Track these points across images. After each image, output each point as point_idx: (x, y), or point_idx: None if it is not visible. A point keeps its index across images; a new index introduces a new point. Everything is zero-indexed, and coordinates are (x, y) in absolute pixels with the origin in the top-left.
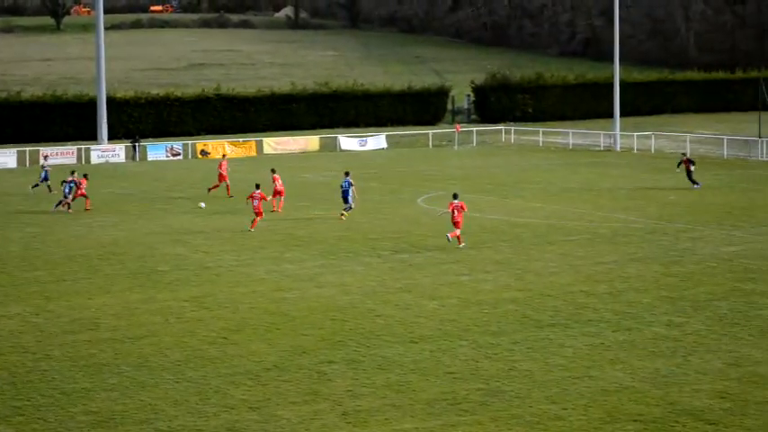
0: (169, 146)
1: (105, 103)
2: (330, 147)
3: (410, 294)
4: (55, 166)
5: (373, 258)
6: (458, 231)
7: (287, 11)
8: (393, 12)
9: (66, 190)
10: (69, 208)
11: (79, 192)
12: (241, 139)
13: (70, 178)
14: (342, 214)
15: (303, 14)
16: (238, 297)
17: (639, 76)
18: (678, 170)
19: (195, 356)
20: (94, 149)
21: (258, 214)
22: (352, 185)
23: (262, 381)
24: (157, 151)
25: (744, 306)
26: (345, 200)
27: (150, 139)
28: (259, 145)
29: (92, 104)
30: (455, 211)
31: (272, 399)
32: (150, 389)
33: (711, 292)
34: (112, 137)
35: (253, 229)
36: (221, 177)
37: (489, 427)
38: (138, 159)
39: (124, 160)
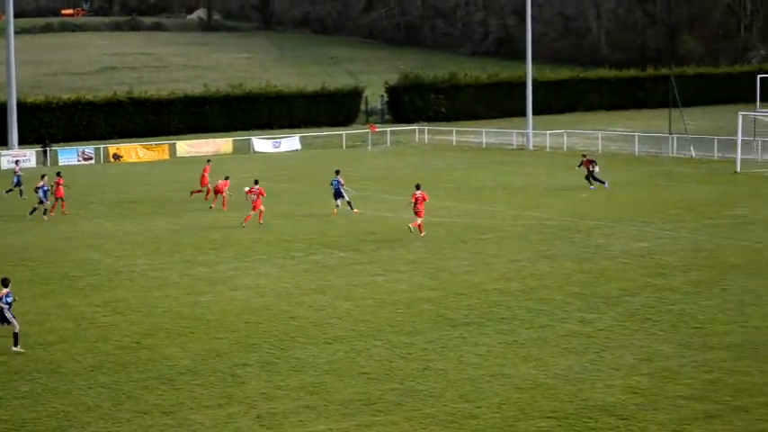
0: (81, 150)
1: (16, 108)
2: (244, 149)
3: (324, 295)
4: None
5: (287, 260)
6: (419, 221)
7: (199, 13)
8: (306, 13)
9: (41, 194)
10: (45, 213)
11: (57, 194)
12: (154, 143)
13: (41, 183)
14: (335, 209)
15: (216, 16)
16: (152, 301)
17: (552, 74)
18: (578, 169)
19: (108, 362)
20: (5, 155)
21: (254, 209)
22: (341, 184)
23: (175, 385)
24: (69, 156)
25: (655, 301)
26: (336, 198)
27: (62, 143)
28: (172, 148)
29: (1, 109)
30: (417, 201)
31: (185, 403)
32: (63, 395)
33: (623, 287)
34: (23, 142)
35: (245, 224)
36: (203, 181)
37: (404, 427)
38: (48, 164)
39: (35, 165)
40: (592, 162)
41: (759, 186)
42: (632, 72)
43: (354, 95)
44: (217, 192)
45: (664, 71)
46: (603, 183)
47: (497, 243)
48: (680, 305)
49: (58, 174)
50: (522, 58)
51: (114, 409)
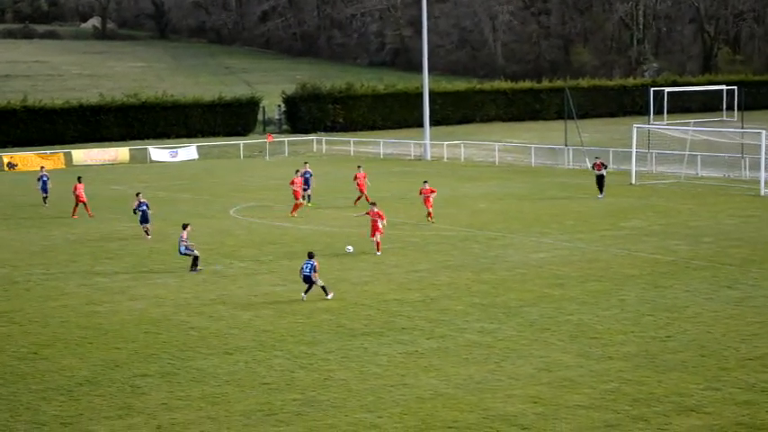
0: None
1: None
2: (140, 158)
3: (224, 306)
4: None
5: (186, 270)
6: (431, 211)
7: (94, 21)
8: (202, 22)
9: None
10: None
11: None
12: (49, 152)
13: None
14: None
15: (110, 25)
16: (49, 311)
17: (448, 85)
18: (591, 171)
19: (5, 372)
20: None
21: (296, 198)
22: (311, 175)
23: (74, 396)
24: None
25: (553, 311)
26: (307, 187)
27: None
28: (68, 157)
29: None
30: (424, 195)
31: (84, 414)
32: None
33: (522, 298)
34: None
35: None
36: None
37: None
38: None
39: None
40: (603, 165)
41: (653, 198)
42: (528, 84)
43: (251, 105)
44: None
45: (559, 83)
46: (600, 193)
47: (396, 253)
48: (578, 315)
49: (79, 178)
50: (419, 69)
51: (12, 420)
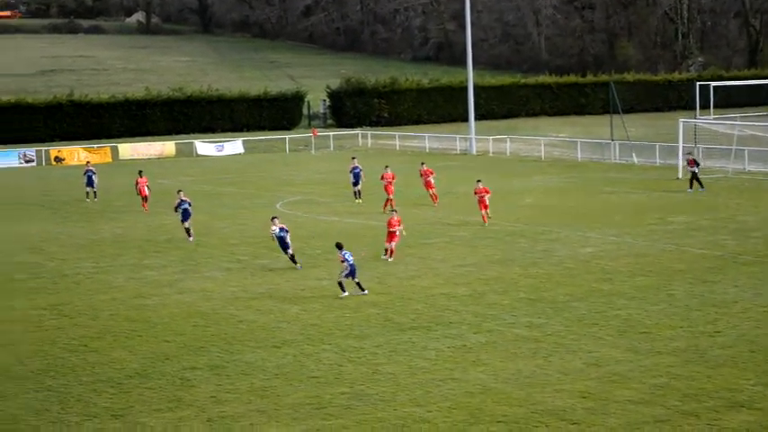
0: (22, 152)
1: None
2: (187, 152)
3: (272, 299)
4: None
5: (233, 264)
6: (484, 214)
7: (138, 16)
8: (245, 17)
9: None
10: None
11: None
12: (96, 146)
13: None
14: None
15: (155, 19)
16: (98, 304)
17: (493, 80)
18: (685, 168)
19: (56, 365)
20: None
21: (388, 193)
22: (361, 170)
23: (124, 388)
24: (10, 158)
25: (602, 306)
26: (356, 183)
27: (2, 145)
28: (114, 151)
29: None
30: (479, 195)
31: (135, 406)
32: (11, 398)
33: (570, 293)
34: None
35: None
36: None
37: (355, 431)
38: None
39: None
40: (696, 162)
41: (701, 192)
42: (572, 78)
43: (296, 100)
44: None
45: (603, 78)
46: (701, 186)
47: (443, 248)
48: (626, 310)
49: (141, 173)
50: (462, 63)
51: (63, 412)
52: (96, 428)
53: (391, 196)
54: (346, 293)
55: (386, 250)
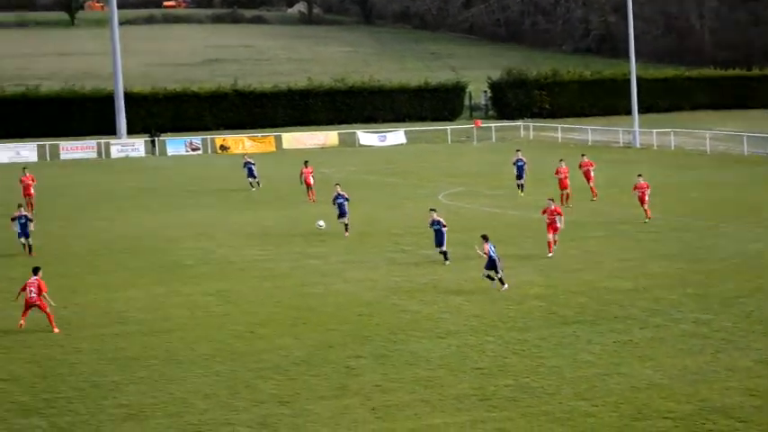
0: (188, 140)
1: (123, 98)
2: (349, 142)
3: (435, 290)
4: (75, 161)
5: (397, 254)
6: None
7: (300, 6)
8: (406, 8)
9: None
10: None
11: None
12: (260, 135)
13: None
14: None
15: (316, 10)
16: (264, 292)
17: (656, 72)
18: None
19: (223, 350)
20: (114, 144)
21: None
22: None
23: (290, 375)
24: (177, 146)
25: None
26: (520, 176)
27: (169, 133)
28: (278, 140)
29: (109, 99)
30: (639, 190)
31: (301, 393)
32: (179, 382)
33: (738, 289)
34: (131, 131)
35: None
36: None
37: (519, 423)
38: (157, 154)
39: (143, 154)
40: None
41: None
42: (738, 71)
43: (457, 91)
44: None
45: None
46: None
47: (606, 241)
48: None
49: (306, 163)
50: (624, 55)
51: (231, 397)
52: (264, 414)
53: (568, 191)
54: (506, 286)
55: (548, 244)
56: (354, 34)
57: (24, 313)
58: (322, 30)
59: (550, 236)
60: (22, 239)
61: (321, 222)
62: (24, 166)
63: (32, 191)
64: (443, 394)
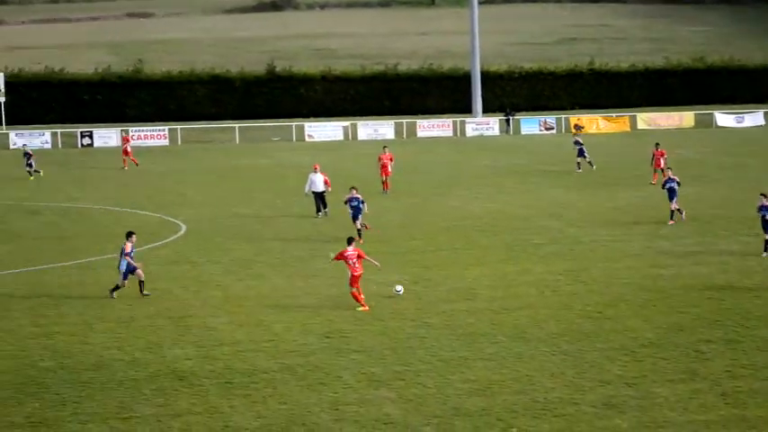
0: (542, 120)
1: (479, 77)
2: (705, 123)
3: None
4: (431, 139)
5: (752, 237)
6: None
7: None
8: None
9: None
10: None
11: None
12: (614, 114)
13: None
14: None
15: None
16: (613, 272)
17: None
18: None
19: (571, 330)
20: (469, 122)
21: None
22: None
23: (638, 357)
24: (531, 125)
25: None
26: None
27: (523, 112)
28: (632, 120)
29: (466, 78)
30: None
31: (648, 375)
32: (527, 360)
33: None
34: (486, 110)
35: None
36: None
37: None
38: (511, 133)
39: (498, 133)
40: None
41: None
42: None
43: None
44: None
45: None
46: None
47: None
48: None
49: (657, 145)
50: None
51: (578, 377)
52: (609, 395)
53: None
54: None
55: None
56: (713, 13)
57: (356, 285)
58: (680, 8)
59: None
60: (357, 223)
61: (399, 288)
62: (384, 145)
63: (390, 169)
64: None
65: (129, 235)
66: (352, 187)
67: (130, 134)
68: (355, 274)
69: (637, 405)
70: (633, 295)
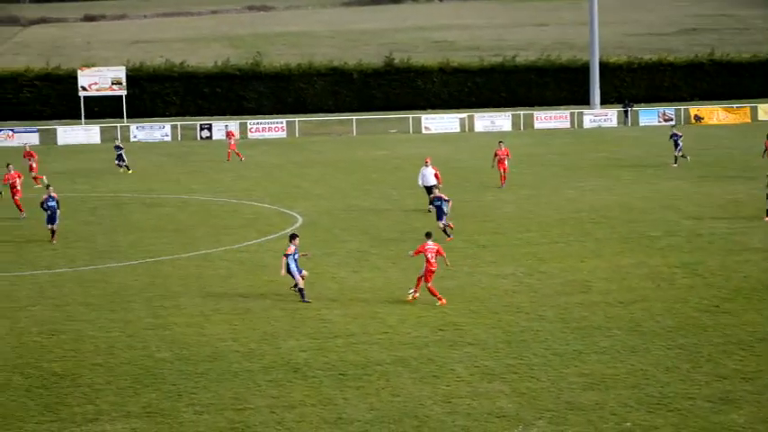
0: (661, 111)
1: (598, 68)
2: None
3: None
4: (548, 130)
5: None
6: None
7: None
8: None
9: None
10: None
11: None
12: (735, 105)
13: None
14: None
15: None
16: (731, 265)
17: None
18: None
19: (687, 324)
20: (587, 114)
21: None
22: None
23: (755, 351)
24: (649, 116)
25: None
26: None
27: (642, 104)
28: (753, 111)
29: (584, 69)
30: None
31: (765, 370)
32: (641, 354)
33: None
34: (604, 102)
35: None
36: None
37: None
38: (629, 124)
39: (616, 125)
40: None
41: None
42: None
43: None
44: None
45: None
46: None
47: None
48: None
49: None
50: None
51: (693, 371)
52: (725, 390)
53: None
54: None
55: None
56: None
57: (430, 279)
58: None
59: None
60: (440, 224)
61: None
62: (500, 140)
63: (506, 164)
64: None
65: (293, 237)
66: (434, 186)
67: (249, 127)
68: (432, 269)
69: (753, 400)
70: (751, 289)
